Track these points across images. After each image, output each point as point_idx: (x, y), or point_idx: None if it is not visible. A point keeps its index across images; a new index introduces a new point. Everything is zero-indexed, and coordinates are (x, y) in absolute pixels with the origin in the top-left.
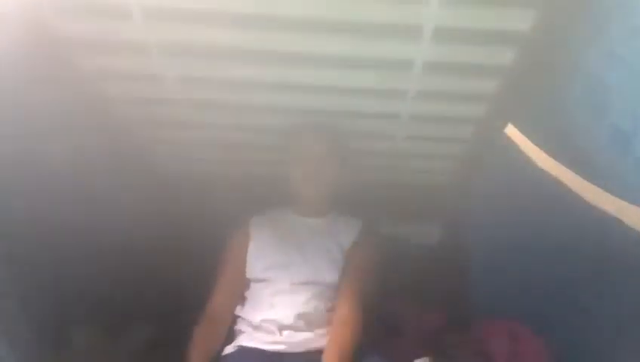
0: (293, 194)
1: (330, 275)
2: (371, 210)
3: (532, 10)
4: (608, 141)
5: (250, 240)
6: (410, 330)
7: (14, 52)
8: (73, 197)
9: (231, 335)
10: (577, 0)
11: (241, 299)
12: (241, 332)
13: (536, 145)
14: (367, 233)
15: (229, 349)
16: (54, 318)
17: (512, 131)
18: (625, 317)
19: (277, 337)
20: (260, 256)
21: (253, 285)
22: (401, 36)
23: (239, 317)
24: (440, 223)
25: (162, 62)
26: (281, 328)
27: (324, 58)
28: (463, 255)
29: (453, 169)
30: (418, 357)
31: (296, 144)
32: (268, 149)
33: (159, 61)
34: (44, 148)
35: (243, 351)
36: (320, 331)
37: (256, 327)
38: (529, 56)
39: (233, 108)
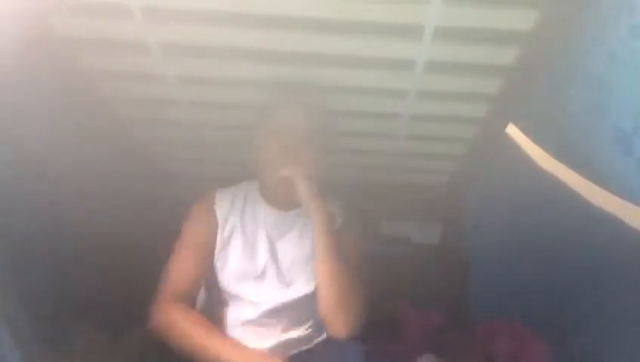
0: (263, 176)
1: (307, 286)
2: (372, 210)
3: (533, 10)
4: (609, 141)
5: (218, 232)
6: (410, 330)
7: (14, 52)
8: (73, 197)
9: None
10: (578, 0)
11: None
12: None
13: (537, 144)
14: (349, 224)
15: None
16: (54, 318)
17: (513, 131)
18: (625, 317)
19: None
20: (225, 261)
21: (217, 292)
22: (403, 36)
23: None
24: (441, 223)
25: (162, 62)
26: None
27: (325, 57)
28: (463, 255)
29: (453, 169)
30: (419, 355)
31: (276, 114)
32: None
33: (159, 61)
34: (44, 148)
35: None
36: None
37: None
38: (530, 56)
39: (233, 108)
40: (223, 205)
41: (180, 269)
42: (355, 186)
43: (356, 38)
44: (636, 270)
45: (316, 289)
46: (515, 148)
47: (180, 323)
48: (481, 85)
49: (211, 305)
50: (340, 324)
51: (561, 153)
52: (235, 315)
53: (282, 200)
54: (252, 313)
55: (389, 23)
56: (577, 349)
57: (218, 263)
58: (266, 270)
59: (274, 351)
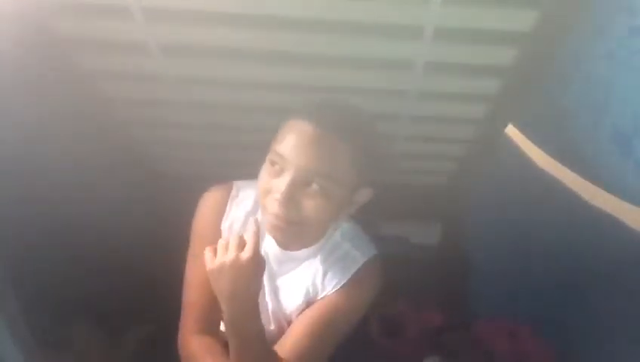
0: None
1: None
2: (371, 211)
3: (533, 11)
4: (609, 142)
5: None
6: (410, 330)
7: (14, 52)
8: (72, 197)
9: None
10: (578, 1)
11: None
12: None
13: (537, 145)
14: (364, 275)
15: None
16: (54, 318)
17: (512, 132)
18: (625, 318)
19: None
20: None
21: None
22: (402, 36)
23: None
24: (440, 223)
25: (162, 62)
26: None
27: (324, 58)
28: (463, 255)
29: (453, 169)
30: (419, 357)
31: (281, 141)
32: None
33: (159, 61)
34: (44, 147)
35: None
36: None
37: None
38: (530, 57)
39: (233, 109)
40: (238, 210)
41: (198, 288)
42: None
43: (356, 38)
44: (636, 270)
45: None
46: (515, 148)
47: None
48: (481, 86)
49: None
50: None
51: (561, 154)
52: None
53: (292, 245)
54: None
55: (389, 24)
56: (577, 349)
57: None
58: (269, 310)
59: None
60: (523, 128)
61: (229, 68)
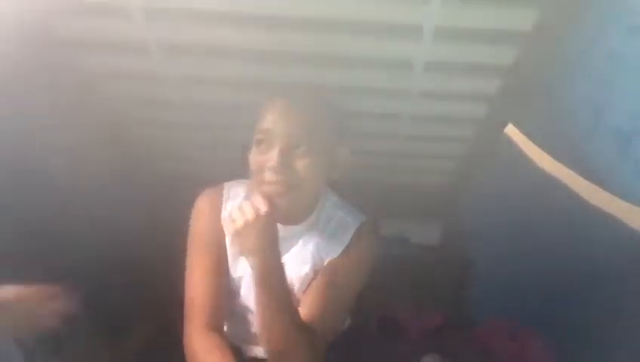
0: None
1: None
2: (372, 210)
3: (533, 10)
4: (609, 142)
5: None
6: (410, 330)
7: (14, 52)
8: (73, 197)
9: None
10: (578, 0)
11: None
12: None
13: (537, 145)
14: (360, 237)
15: None
16: None
17: (512, 131)
18: (626, 319)
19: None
20: (236, 262)
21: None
22: (402, 36)
23: None
24: (441, 223)
25: (163, 62)
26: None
27: (325, 58)
28: (463, 255)
29: (454, 169)
30: (419, 356)
31: (263, 120)
32: None
33: (160, 61)
34: (45, 147)
35: None
36: None
37: None
38: (530, 56)
39: (233, 109)
40: (232, 204)
41: (201, 286)
42: (355, 186)
43: (356, 38)
44: (636, 270)
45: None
46: (515, 148)
47: None
48: (481, 85)
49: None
50: None
51: (561, 153)
52: (247, 326)
53: (287, 219)
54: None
55: (389, 23)
56: (578, 349)
57: (233, 274)
58: None
59: None
60: (523, 128)
61: (229, 68)
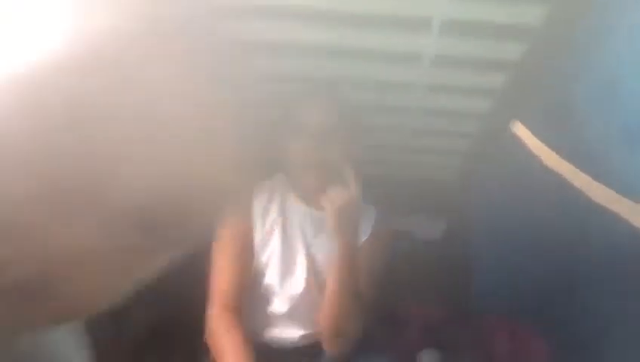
0: (292, 177)
1: None
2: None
3: (541, 5)
4: (616, 139)
5: (257, 228)
6: (412, 324)
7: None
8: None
9: None
10: None
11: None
12: None
13: (543, 142)
14: (380, 226)
15: None
16: None
17: (517, 127)
18: (628, 318)
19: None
20: (267, 257)
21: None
22: (410, 29)
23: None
24: (444, 218)
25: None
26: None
27: (333, 50)
28: (466, 251)
29: (458, 164)
30: (418, 351)
31: (296, 114)
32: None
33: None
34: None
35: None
36: None
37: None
38: (538, 52)
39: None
40: (259, 202)
41: (224, 273)
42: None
43: (363, 31)
44: (639, 268)
45: (323, 307)
46: (520, 144)
47: (221, 340)
48: (487, 80)
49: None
50: (335, 344)
51: (566, 151)
52: (268, 308)
53: (314, 201)
54: (284, 306)
55: (397, 16)
56: (578, 348)
57: (262, 258)
58: (303, 266)
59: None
60: (529, 124)
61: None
